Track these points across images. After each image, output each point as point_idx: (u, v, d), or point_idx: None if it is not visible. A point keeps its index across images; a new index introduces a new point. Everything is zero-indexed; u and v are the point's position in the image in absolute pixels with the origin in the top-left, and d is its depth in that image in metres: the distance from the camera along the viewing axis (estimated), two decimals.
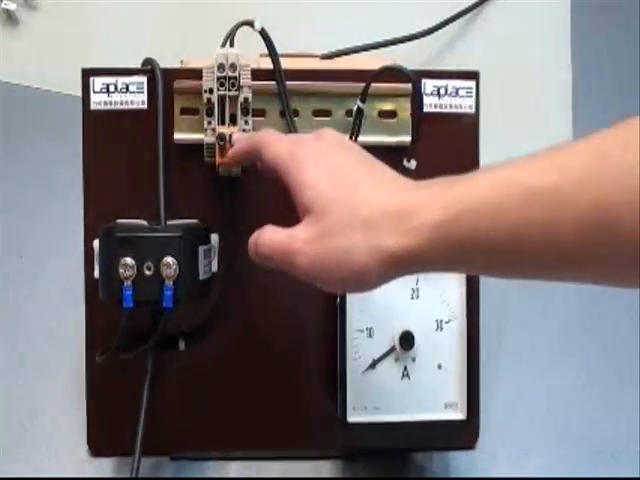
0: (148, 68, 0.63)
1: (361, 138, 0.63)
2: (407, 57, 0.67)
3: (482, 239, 0.44)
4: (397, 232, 0.46)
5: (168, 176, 0.61)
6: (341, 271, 0.48)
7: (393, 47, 0.72)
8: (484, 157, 0.66)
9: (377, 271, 0.47)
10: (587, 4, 0.80)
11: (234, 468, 0.67)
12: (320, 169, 0.50)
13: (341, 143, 0.52)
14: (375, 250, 0.46)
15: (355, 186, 0.49)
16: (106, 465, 0.66)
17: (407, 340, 0.63)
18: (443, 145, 0.65)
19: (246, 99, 0.60)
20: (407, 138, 0.64)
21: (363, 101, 0.62)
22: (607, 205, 0.41)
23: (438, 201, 0.46)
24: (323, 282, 0.49)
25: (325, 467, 0.67)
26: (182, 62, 0.66)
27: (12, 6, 0.75)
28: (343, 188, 0.48)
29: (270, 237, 0.51)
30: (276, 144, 0.53)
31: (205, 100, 0.60)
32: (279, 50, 0.62)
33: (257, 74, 0.61)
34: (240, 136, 0.59)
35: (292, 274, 0.50)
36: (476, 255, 0.46)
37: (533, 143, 0.77)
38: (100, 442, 0.65)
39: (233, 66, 0.59)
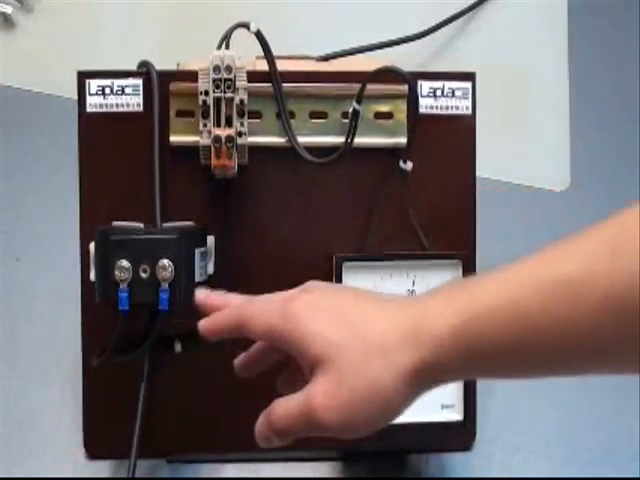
0: (144, 70, 0.63)
1: (357, 140, 0.63)
2: (403, 59, 0.67)
3: (502, 339, 0.44)
4: (412, 348, 0.45)
5: (164, 178, 0.61)
6: (370, 408, 0.46)
7: (389, 49, 0.72)
8: (480, 159, 0.66)
9: (403, 393, 0.46)
10: (583, 5, 0.80)
11: (231, 470, 0.67)
12: (319, 318, 0.48)
13: (329, 288, 0.52)
14: (396, 372, 0.45)
15: (360, 322, 0.48)
16: (103, 467, 0.66)
17: None
18: (439, 146, 0.65)
19: (242, 101, 0.60)
20: (403, 140, 0.64)
21: (359, 102, 0.62)
22: (620, 296, 0.41)
23: (450, 307, 0.45)
24: (355, 428, 0.47)
25: (322, 469, 0.67)
26: (178, 64, 0.66)
27: (8, 9, 0.75)
28: (348, 328, 0.47)
29: (284, 408, 0.48)
30: (262, 316, 0.50)
31: (201, 102, 0.60)
32: (275, 52, 0.62)
33: (253, 76, 0.61)
34: (204, 294, 0.56)
35: (319, 436, 0.47)
36: (497, 357, 0.45)
37: (529, 144, 0.77)
38: (97, 444, 0.65)
39: (229, 68, 0.59)
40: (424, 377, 0.46)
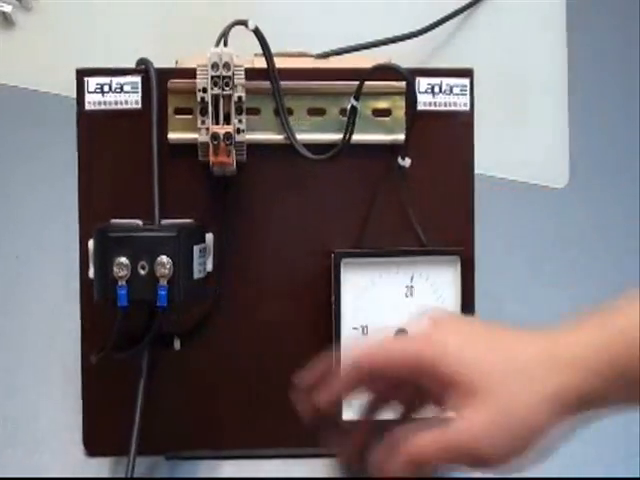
0: (142, 68, 0.63)
1: (355, 136, 0.63)
2: (401, 57, 0.67)
3: None
4: (557, 372, 0.46)
5: (162, 176, 0.62)
6: (525, 437, 0.46)
7: (387, 46, 0.72)
8: (479, 155, 0.66)
9: (555, 421, 0.46)
10: (583, 3, 0.80)
11: (229, 467, 0.67)
12: (469, 344, 0.48)
13: (457, 317, 0.53)
14: (548, 400, 0.46)
15: (509, 347, 0.48)
16: (102, 465, 0.66)
17: None
18: (438, 143, 0.65)
19: (240, 98, 0.60)
20: (401, 136, 0.64)
21: (357, 99, 0.62)
22: None
23: (587, 334, 0.46)
24: (509, 457, 0.46)
25: (322, 466, 0.67)
26: (177, 62, 0.66)
27: (7, 8, 0.75)
28: (500, 353, 0.47)
29: (427, 439, 0.47)
30: (404, 347, 0.50)
31: (199, 99, 0.60)
32: (273, 49, 0.62)
33: (251, 73, 0.61)
34: (309, 374, 0.54)
35: (471, 468, 0.47)
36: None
37: (528, 141, 0.77)
38: (96, 442, 0.65)
39: (227, 65, 0.59)
40: (572, 403, 0.46)
